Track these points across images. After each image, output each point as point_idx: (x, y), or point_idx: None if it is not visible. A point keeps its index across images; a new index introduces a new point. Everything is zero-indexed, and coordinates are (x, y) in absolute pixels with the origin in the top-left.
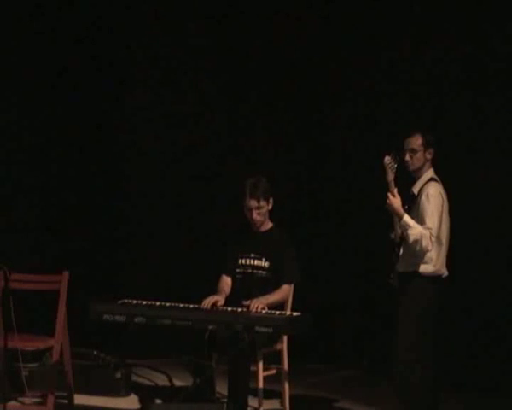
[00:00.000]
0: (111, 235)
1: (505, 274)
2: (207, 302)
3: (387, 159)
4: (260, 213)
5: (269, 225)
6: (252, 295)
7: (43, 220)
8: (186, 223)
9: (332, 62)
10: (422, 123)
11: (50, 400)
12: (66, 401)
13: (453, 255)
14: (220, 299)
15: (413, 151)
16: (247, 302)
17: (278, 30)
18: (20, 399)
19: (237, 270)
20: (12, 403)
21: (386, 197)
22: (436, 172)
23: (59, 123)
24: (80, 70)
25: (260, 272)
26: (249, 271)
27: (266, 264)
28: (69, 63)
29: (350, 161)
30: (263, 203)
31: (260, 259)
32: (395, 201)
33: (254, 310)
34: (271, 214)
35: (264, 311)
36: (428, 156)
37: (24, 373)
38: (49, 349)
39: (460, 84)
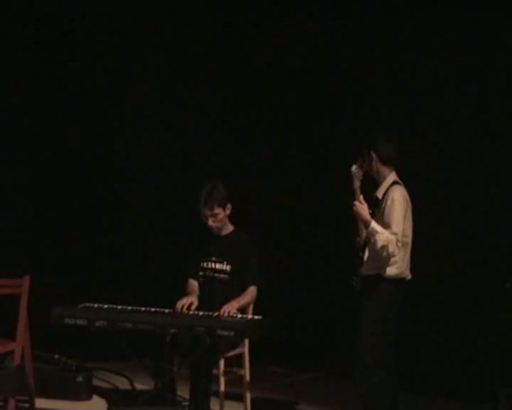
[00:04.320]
0: (95, 244)
1: (468, 276)
2: (182, 304)
3: (355, 168)
4: (215, 220)
5: (229, 228)
6: (214, 299)
7: (27, 228)
8: (178, 233)
9: (332, 72)
10: (422, 132)
11: (11, 403)
12: (27, 405)
13: (415, 258)
14: (195, 300)
15: None
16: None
17: (278, 40)
18: None
19: (200, 273)
20: None
21: (353, 204)
22: (398, 175)
23: (57, 127)
24: (81, 74)
25: (222, 275)
26: (211, 274)
27: (228, 267)
28: (70, 67)
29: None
30: (218, 210)
31: (222, 262)
32: (362, 207)
33: (226, 314)
34: (232, 218)
35: (236, 314)
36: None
37: None
38: (11, 353)
39: (460, 94)
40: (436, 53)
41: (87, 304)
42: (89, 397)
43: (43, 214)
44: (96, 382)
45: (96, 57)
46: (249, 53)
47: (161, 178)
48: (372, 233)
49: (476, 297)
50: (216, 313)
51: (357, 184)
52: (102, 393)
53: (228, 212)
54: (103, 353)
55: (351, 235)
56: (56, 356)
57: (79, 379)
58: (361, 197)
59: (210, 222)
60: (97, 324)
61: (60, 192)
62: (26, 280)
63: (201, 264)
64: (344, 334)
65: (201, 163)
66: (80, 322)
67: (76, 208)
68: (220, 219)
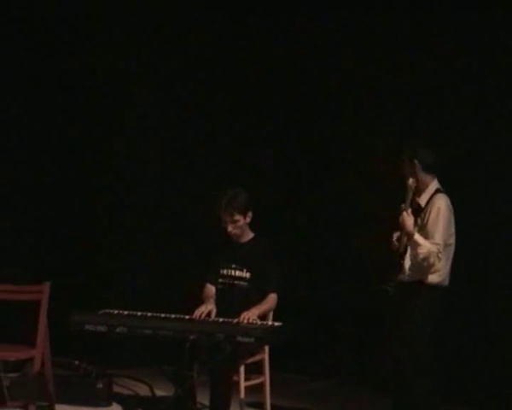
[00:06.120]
0: (95, 245)
1: (470, 278)
2: (201, 313)
3: (412, 181)
4: (236, 226)
5: (249, 235)
6: (233, 306)
7: (27, 229)
8: (178, 234)
9: (332, 72)
10: (423, 133)
11: (32, 409)
12: None
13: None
14: (213, 308)
15: None
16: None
17: (278, 40)
18: (1, 409)
19: (219, 280)
20: None
21: (400, 214)
22: (440, 181)
23: (57, 127)
24: (81, 74)
25: (242, 282)
26: (231, 282)
27: (247, 275)
28: (71, 67)
29: (350, 172)
30: (238, 217)
31: (242, 270)
32: (409, 219)
33: (246, 321)
34: (255, 225)
35: (255, 321)
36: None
37: (5, 383)
38: (31, 359)
39: (460, 94)
40: (436, 53)
41: (107, 310)
42: (109, 403)
43: (43, 215)
44: (116, 388)
45: (96, 57)
46: (249, 53)
47: (161, 179)
48: (414, 245)
49: (483, 301)
50: (236, 320)
51: (410, 196)
52: (122, 399)
53: (248, 220)
54: (123, 359)
55: (351, 235)
56: (76, 362)
57: (99, 385)
58: (409, 210)
59: (229, 228)
60: (117, 330)
61: (60, 192)
62: (46, 287)
63: (221, 271)
64: (365, 342)
65: (201, 163)
66: (100, 328)
67: (76, 208)
68: (240, 227)
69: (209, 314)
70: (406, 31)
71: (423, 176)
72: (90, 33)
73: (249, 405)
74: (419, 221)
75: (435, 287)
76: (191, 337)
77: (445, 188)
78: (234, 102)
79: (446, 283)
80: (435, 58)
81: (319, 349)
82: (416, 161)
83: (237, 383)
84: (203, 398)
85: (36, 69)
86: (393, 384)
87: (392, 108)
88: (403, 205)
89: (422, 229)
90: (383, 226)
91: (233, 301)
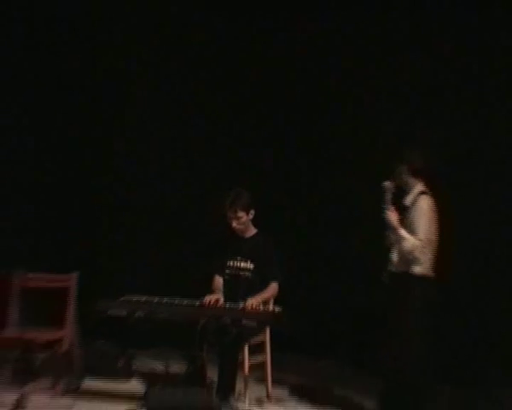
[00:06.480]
0: (96, 245)
1: (493, 272)
2: (209, 300)
3: (388, 183)
4: (239, 222)
5: (253, 231)
6: (239, 293)
7: (27, 229)
8: (183, 228)
9: (332, 72)
10: (423, 133)
11: (61, 384)
12: (74, 386)
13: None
14: (220, 298)
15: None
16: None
17: (278, 40)
18: (34, 383)
19: (226, 271)
20: (27, 387)
21: (384, 213)
22: (426, 184)
23: (57, 127)
24: (80, 74)
25: (246, 273)
26: (236, 272)
27: (251, 266)
28: (71, 67)
29: (350, 172)
30: (241, 214)
31: (246, 261)
32: (392, 215)
33: (250, 307)
34: (257, 222)
35: (258, 307)
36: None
37: (37, 361)
38: (60, 340)
39: (460, 95)
40: (436, 53)
41: (127, 297)
42: (129, 379)
43: (43, 215)
44: (135, 365)
45: (96, 57)
46: (249, 53)
47: (161, 179)
48: (400, 239)
49: (483, 301)
50: (241, 306)
51: (388, 196)
52: (141, 375)
53: (251, 216)
54: (142, 340)
55: (351, 235)
56: (100, 342)
57: (121, 363)
58: (392, 208)
59: (234, 224)
60: (136, 314)
61: (60, 192)
62: (74, 276)
63: (228, 263)
64: (361, 324)
65: (201, 163)
66: (121, 313)
67: (76, 208)
68: (243, 222)
69: (217, 302)
70: (406, 31)
71: (410, 179)
72: (90, 33)
73: (252, 380)
74: (405, 220)
75: (421, 277)
76: (201, 321)
77: (445, 188)
78: (234, 102)
79: (430, 274)
80: (435, 58)
81: (319, 349)
82: (404, 167)
83: (242, 362)
84: (212, 374)
85: (36, 69)
86: (390, 382)
87: (392, 108)
88: (384, 206)
89: (408, 227)
90: (383, 226)
91: (238, 289)
